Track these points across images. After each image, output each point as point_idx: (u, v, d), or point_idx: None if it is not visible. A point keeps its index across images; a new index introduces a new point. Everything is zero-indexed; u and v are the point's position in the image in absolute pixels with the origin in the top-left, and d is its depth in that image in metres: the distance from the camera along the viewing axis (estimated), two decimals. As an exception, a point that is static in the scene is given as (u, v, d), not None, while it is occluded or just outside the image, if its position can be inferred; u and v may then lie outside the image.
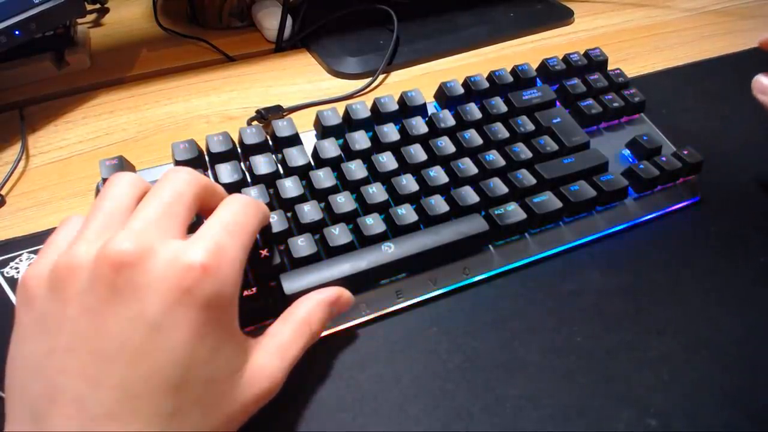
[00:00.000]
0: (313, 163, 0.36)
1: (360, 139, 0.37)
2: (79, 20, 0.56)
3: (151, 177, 0.35)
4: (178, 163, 0.34)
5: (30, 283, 0.22)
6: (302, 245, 0.31)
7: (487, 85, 0.42)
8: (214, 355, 0.22)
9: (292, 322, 0.27)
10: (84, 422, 0.19)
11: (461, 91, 0.41)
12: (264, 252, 0.31)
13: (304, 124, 0.39)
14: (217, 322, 0.22)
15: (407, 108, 0.40)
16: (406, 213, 0.33)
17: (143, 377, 0.20)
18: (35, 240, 0.35)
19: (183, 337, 0.21)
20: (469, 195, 0.35)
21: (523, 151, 0.38)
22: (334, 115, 0.38)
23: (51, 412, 0.20)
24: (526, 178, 0.36)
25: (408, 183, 0.35)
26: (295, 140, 0.37)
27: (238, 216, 0.25)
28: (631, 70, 0.52)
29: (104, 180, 0.33)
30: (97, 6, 0.59)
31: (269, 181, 0.34)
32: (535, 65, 0.44)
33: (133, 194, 0.25)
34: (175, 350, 0.21)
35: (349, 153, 0.37)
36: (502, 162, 0.37)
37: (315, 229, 0.32)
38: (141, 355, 0.20)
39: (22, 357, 0.22)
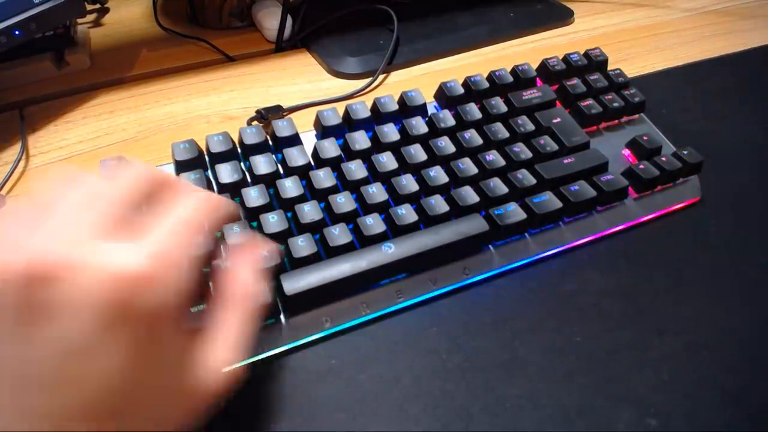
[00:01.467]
0: (313, 163, 0.36)
1: (360, 139, 0.37)
2: (79, 20, 0.56)
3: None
4: (178, 163, 0.34)
5: None
6: (302, 245, 0.31)
7: (487, 85, 0.42)
8: (159, 372, 0.20)
9: (229, 302, 0.23)
10: None
11: (461, 91, 0.41)
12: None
13: (304, 124, 0.39)
14: (161, 334, 0.20)
15: (407, 108, 0.40)
16: (406, 213, 0.33)
17: (78, 406, 0.18)
18: (35, 240, 0.35)
19: (119, 360, 0.18)
20: (469, 195, 0.35)
21: (523, 151, 0.38)
22: (334, 115, 0.38)
23: None
24: (526, 178, 0.36)
25: (408, 183, 0.35)
26: (295, 140, 0.37)
27: (186, 211, 0.21)
28: (631, 70, 0.52)
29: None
30: (97, 6, 0.59)
31: (269, 181, 0.34)
32: (535, 65, 0.44)
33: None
34: (111, 374, 0.18)
35: (349, 153, 0.37)
36: (502, 162, 0.37)
37: (315, 229, 0.32)
38: (72, 382, 0.18)
39: None
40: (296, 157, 0.35)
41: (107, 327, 0.18)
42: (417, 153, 0.37)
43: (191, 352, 0.21)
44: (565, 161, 0.38)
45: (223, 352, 0.22)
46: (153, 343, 0.19)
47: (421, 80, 0.52)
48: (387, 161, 0.36)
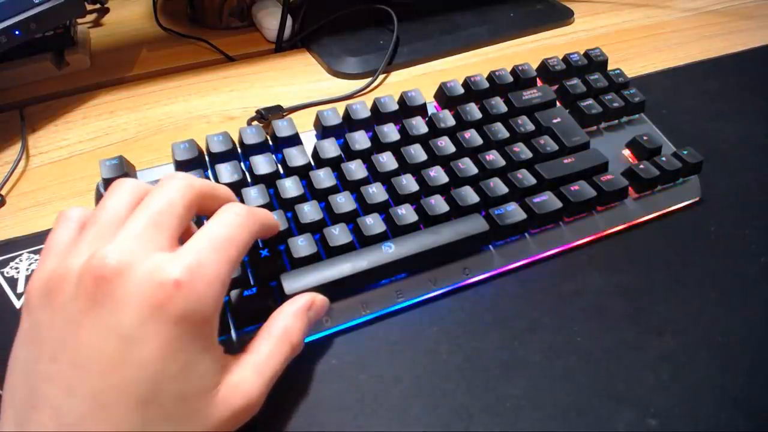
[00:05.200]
0: (313, 163, 0.36)
1: (360, 139, 0.37)
2: (79, 20, 0.56)
3: (151, 177, 0.35)
4: (178, 163, 0.34)
5: (30, 291, 0.23)
6: (302, 245, 0.31)
7: (487, 85, 0.42)
8: (187, 372, 0.22)
9: (270, 337, 0.26)
10: (58, 428, 0.20)
11: (461, 91, 0.41)
12: (264, 252, 0.31)
13: (304, 124, 0.39)
14: (191, 338, 0.22)
15: (407, 108, 0.40)
16: (406, 213, 0.33)
17: (113, 388, 0.21)
18: (35, 240, 0.35)
19: (153, 351, 0.21)
20: (469, 195, 0.35)
21: (523, 151, 0.38)
22: (334, 115, 0.38)
23: (31, 417, 0.21)
24: (526, 178, 0.36)
25: (408, 183, 0.35)
26: (295, 140, 0.37)
27: (228, 228, 0.24)
28: (631, 70, 0.52)
29: (104, 180, 0.33)
30: (97, 6, 0.59)
31: (269, 181, 0.34)
32: (535, 65, 0.44)
33: (130, 203, 0.24)
34: (145, 364, 0.21)
35: (349, 153, 0.37)
36: (502, 162, 0.37)
37: (315, 229, 0.32)
38: (112, 366, 0.21)
39: (16, 361, 0.23)
40: (296, 157, 0.35)
41: (146, 321, 0.21)
42: (417, 153, 0.37)
43: (216, 363, 0.24)
44: (565, 161, 0.38)
45: (251, 375, 0.25)
46: (181, 343, 0.22)
47: (421, 80, 0.52)
48: (387, 161, 0.36)
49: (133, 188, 0.25)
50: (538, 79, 0.44)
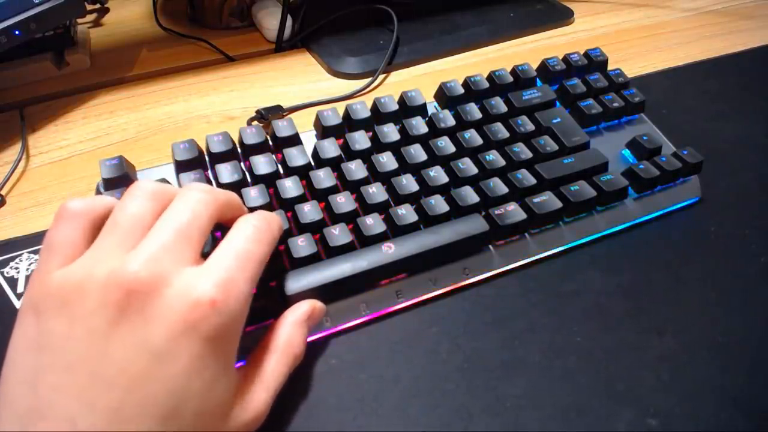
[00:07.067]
0: (313, 163, 0.36)
1: (360, 139, 0.37)
2: (79, 20, 0.56)
3: (151, 177, 0.35)
4: (178, 163, 0.34)
5: (39, 293, 0.22)
6: (302, 245, 0.31)
7: (487, 85, 0.42)
8: (209, 390, 0.22)
9: (274, 349, 0.27)
10: None
11: (461, 91, 0.41)
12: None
13: (304, 124, 0.39)
14: (218, 355, 0.22)
15: (407, 108, 0.40)
16: (406, 213, 0.33)
17: (137, 403, 0.20)
18: (35, 240, 0.35)
19: (183, 368, 0.21)
20: (469, 195, 0.35)
21: (523, 151, 0.38)
22: (334, 115, 0.38)
23: (38, 427, 0.20)
24: (526, 178, 0.36)
25: (408, 183, 0.35)
26: (295, 140, 0.37)
27: (251, 244, 0.25)
28: (631, 70, 0.52)
29: (104, 180, 0.33)
30: (97, 6, 0.59)
31: (269, 181, 0.34)
32: (535, 65, 0.44)
33: (152, 209, 0.24)
34: (173, 380, 0.21)
35: (349, 153, 0.37)
36: (502, 162, 0.37)
37: (315, 229, 0.32)
38: (140, 381, 0.20)
39: (17, 367, 0.21)
40: (296, 157, 0.35)
41: (178, 339, 0.21)
42: (417, 153, 0.37)
43: (232, 380, 0.24)
44: (565, 161, 0.38)
45: (260, 391, 0.25)
46: (208, 361, 0.22)
47: (421, 80, 0.52)
48: (387, 161, 0.36)
49: (155, 193, 0.25)
50: (538, 79, 0.44)
